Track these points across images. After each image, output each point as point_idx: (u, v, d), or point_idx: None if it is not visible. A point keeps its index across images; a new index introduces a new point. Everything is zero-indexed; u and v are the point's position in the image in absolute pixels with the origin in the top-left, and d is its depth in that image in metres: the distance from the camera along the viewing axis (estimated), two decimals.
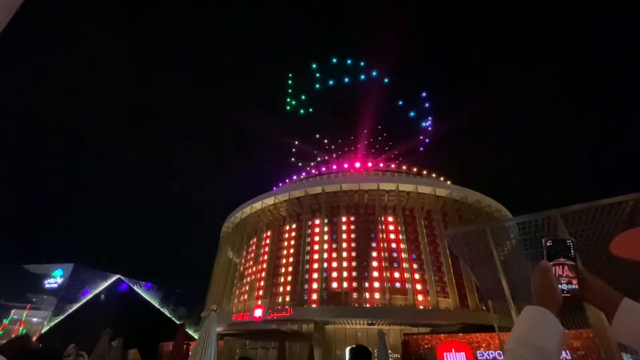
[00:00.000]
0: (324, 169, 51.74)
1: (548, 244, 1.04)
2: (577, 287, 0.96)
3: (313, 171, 52.00)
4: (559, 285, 0.96)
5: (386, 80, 78.52)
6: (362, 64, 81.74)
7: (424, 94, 77.39)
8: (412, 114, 74.76)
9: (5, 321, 51.48)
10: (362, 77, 77.89)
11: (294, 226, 41.32)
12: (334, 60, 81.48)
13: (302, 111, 78.31)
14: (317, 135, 69.65)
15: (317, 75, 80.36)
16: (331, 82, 78.56)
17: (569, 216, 6.94)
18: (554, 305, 0.91)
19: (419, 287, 33.23)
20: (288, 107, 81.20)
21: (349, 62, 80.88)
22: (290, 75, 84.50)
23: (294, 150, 72.24)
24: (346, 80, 77.85)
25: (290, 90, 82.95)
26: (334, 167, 50.33)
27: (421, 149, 69.14)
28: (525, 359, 0.81)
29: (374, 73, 79.40)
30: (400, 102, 77.46)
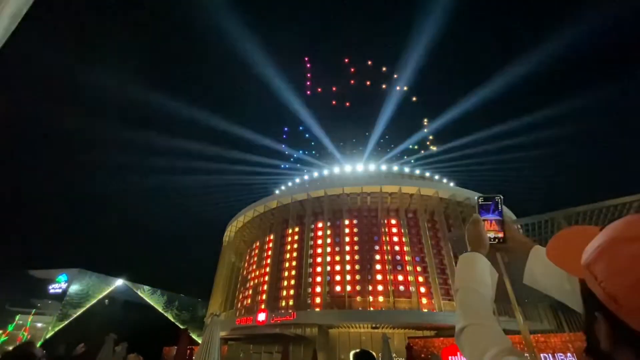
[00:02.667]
0: (326, 171, 51.74)
1: (480, 201, 1.25)
2: (502, 236, 1.19)
3: (315, 174, 51.98)
4: (488, 235, 1.19)
5: (405, 88, 79.77)
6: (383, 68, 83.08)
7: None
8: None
9: (10, 328, 51.62)
10: (383, 85, 79.47)
11: (296, 229, 41.27)
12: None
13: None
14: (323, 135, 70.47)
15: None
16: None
17: (573, 218, 6.91)
18: (484, 251, 1.17)
19: (423, 290, 33.02)
20: (308, 92, 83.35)
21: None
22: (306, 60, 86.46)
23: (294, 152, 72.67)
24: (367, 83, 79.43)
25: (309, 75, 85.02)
26: (336, 169, 50.25)
27: (422, 152, 69.14)
28: (476, 291, 1.02)
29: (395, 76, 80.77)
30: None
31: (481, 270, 1.10)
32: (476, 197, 1.28)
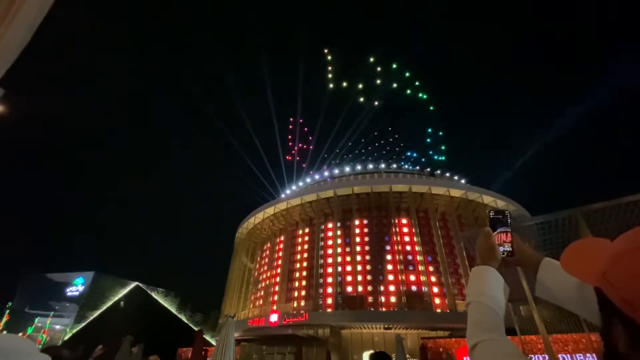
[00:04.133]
0: (336, 171, 51.65)
1: (491, 215, 1.29)
2: (511, 249, 1.19)
3: (325, 174, 51.97)
4: (499, 248, 1.19)
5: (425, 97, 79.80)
6: (407, 74, 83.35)
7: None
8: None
9: (29, 330, 53.08)
10: (408, 91, 79.82)
11: (307, 230, 41.32)
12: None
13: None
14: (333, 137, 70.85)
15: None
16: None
17: (591, 215, 6.71)
18: (495, 264, 1.15)
19: (435, 290, 32.63)
20: (331, 85, 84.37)
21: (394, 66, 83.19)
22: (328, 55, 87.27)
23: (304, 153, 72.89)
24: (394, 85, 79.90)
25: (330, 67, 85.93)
26: (346, 169, 50.11)
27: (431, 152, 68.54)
28: (487, 306, 1.01)
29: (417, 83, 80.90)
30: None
31: (492, 284, 1.08)
32: (487, 211, 1.32)
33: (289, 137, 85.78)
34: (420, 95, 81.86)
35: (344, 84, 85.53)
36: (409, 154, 66.56)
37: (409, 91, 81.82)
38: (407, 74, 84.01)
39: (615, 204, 6.53)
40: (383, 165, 49.79)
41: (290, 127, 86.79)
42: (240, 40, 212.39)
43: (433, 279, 33.33)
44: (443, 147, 71.90)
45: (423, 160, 61.88)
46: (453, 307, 30.48)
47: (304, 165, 71.40)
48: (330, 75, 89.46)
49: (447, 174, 49.08)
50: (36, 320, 54.98)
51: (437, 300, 31.84)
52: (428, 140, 71.87)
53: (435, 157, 68.30)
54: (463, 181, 45.51)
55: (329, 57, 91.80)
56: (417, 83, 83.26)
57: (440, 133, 75.12)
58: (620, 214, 6.74)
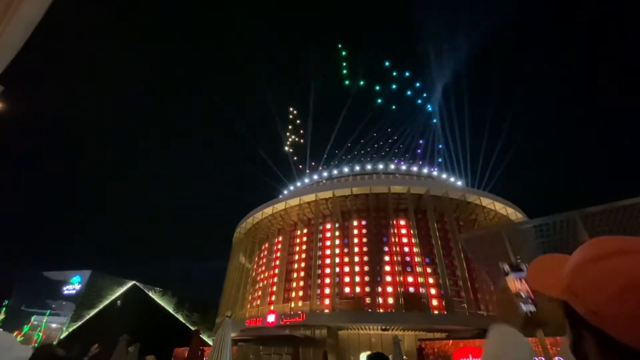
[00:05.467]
0: (335, 172, 51.66)
1: (506, 269, 1.20)
2: (534, 308, 1.10)
3: (324, 175, 51.98)
4: (520, 304, 1.09)
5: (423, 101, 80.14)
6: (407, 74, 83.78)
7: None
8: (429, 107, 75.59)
9: (26, 329, 52.87)
10: (409, 92, 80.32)
11: (305, 231, 41.31)
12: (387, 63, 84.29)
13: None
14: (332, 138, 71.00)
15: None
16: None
17: (589, 218, 6.74)
18: (515, 320, 1.03)
19: (433, 291, 32.67)
20: (347, 82, 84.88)
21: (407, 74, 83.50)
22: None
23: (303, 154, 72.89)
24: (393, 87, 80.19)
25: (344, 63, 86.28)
26: (345, 170, 50.16)
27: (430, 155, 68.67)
28: None
29: (418, 84, 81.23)
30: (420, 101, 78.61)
31: (517, 347, 0.97)
32: (500, 264, 1.25)
33: (289, 127, 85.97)
34: (422, 96, 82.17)
35: (347, 82, 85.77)
36: (407, 155, 66.83)
37: (409, 92, 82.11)
38: (407, 74, 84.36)
39: (613, 207, 6.57)
40: (382, 166, 49.88)
41: (290, 117, 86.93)
42: (240, 40, 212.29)
43: (431, 280, 33.37)
44: (440, 146, 72.09)
45: (421, 162, 62.02)
46: (450, 309, 30.53)
47: (300, 166, 71.47)
48: (344, 72, 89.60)
49: (445, 176, 49.19)
50: (32, 318, 54.75)
51: (434, 302, 31.87)
52: (425, 140, 72.09)
53: (436, 159, 68.50)
54: (461, 183, 45.64)
55: (344, 53, 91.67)
56: (417, 84, 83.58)
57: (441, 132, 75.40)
58: (618, 217, 6.78)
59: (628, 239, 0.65)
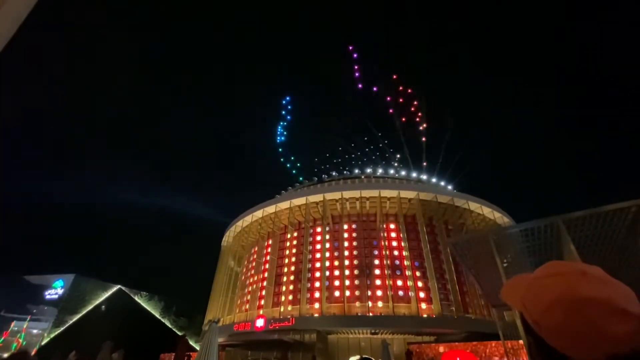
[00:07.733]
0: (325, 176, 51.78)
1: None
2: None
3: (314, 179, 52.03)
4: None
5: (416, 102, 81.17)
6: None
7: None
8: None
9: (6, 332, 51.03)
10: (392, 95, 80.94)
11: (295, 234, 41.17)
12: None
13: None
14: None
15: None
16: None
17: (572, 222, 6.92)
18: None
19: (422, 295, 32.90)
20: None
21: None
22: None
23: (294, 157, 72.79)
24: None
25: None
26: (335, 174, 50.37)
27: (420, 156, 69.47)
28: None
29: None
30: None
31: None
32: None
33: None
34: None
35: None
36: (398, 157, 67.44)
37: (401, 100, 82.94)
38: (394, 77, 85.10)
39: (595, 212, 6.76)
40: (371, 170, 50.19)
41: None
42: (242, 38, 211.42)
43: (420, 284, 33.63)
44: (424, 144, 72.93)
45: (411, 167, 62.64)
46: (439, 313, 30.80)
47: (292, 171, 71.28)
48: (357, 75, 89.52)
49: (435, 180, 49.80)
50: (12, 323, 52.87)
51: (423, 306, 32.09)
52: (414, 147, 72.96)
53: (426, 163, 69.24)
54: (450, 187, 46.24)
55: (355, 55, 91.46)
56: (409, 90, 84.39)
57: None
58: (600, 222, 6.98)
59: (567, 264, 0.78)
